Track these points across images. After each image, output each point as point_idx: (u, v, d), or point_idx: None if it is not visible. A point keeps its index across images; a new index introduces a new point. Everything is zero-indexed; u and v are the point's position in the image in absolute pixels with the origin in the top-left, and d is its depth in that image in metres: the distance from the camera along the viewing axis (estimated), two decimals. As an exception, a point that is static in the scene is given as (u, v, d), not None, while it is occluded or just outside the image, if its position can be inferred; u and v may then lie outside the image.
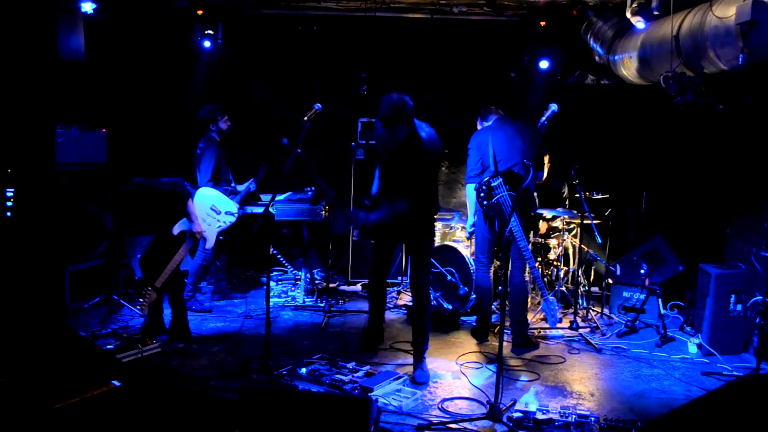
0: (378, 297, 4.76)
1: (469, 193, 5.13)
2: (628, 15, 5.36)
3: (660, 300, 5.62)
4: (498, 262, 5.41)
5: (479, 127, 5.26)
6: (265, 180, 6.08)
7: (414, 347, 4.51)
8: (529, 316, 5.32)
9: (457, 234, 6.25)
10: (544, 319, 5.68)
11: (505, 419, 3.73)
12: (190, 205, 4.90)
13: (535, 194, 5.06)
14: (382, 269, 4.67)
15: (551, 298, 4.94)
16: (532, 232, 6.02)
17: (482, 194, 4.85)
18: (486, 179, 4.86)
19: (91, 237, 5.22)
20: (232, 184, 6.10)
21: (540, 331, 5.45)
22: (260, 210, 6.05)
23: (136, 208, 4.78)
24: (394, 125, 4.19)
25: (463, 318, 5.77)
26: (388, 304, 6.07)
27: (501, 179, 4.80)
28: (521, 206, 4.77)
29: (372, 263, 4.68)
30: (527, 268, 4.99)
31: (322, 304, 6.04)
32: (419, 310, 4.48)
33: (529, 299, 5.56)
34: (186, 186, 5.00)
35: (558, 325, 5.63)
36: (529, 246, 5.12)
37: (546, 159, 6.37)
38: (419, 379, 4.33)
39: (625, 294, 6.11)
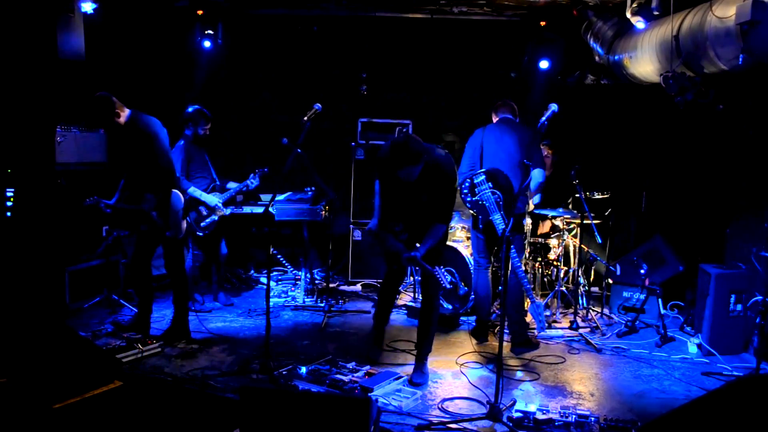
0: (389, 303, 4.74)
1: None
2: (628, 15, 5.36)
3: (660, 300, 5.62)
4: (497, 264, 5.43)
5: (494, 119, 5.26)
6: (263, 181, 6.06)
7: (417, 350, 4.51)
8: (529, 317, 5.32)
9: (457, 234, 6.25)
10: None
11: (505, 419, 3.73)
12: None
13: (531, 193, 5.05)
14: (398, 276, 4.68)
15: (539, 301, 4.92)
16: (529, 233, 6.01)
17: (465, 190, 4.84)
18: (469, 175, 4.86)
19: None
20: (216, 183, 6.04)
21: (538, 332, 5.45)
22: (260, 210, 6.05)
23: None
24: (404, 168, 4.10)
25: (463, 318, 5.77)
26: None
27: (484, 176, 4.78)
28: (505, 207, 4.73)
29: (388, 271, 4.69)
30: (521, 267, 4.98)
31: (322, 304, 6.04)
32: (427, 314, 4.47)
33: (525, 298, 5.56)
34: None
35: (558, 325, 5.65)
36: (525, 243, 5.12)
37: (549, 152, 6.37)
38: (416, 380, 4.33)
39: (625, 294, 6.11)
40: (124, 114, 4.80)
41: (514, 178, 4.82)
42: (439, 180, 4.23)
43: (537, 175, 5.02)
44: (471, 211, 4.93)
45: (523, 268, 5.04)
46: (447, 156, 4.33)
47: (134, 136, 4.80)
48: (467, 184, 4.83)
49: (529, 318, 5.18)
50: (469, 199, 4.83)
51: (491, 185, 4.76)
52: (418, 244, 4.29)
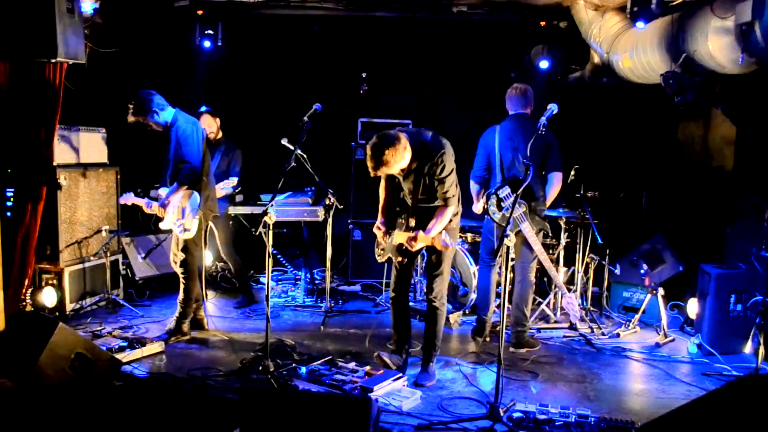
0: (404, 309, 4.55)
1: (473, 186, 5.15)
2: (628, 15, 5.36)
3: (660, 300, 5.62)
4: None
5: (508, 109, 5.17)
6: (264, 181, 6.04)
7: (424, 351, 4.50)
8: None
9: (457, 234, 6.23)
10: (543, 319, 5.76)
11: (505, 419, 3.73)
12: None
13: (546, 194, 5.01)
14: (406, 279, 4.54)
15: (570, 294, 5.03)
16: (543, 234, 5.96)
17: (492, 207, 4.80)
18: (493, 191, 4.81)
19: None
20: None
21: (540, 331, 5.45)
22: (260, 210, 6.02)
23: None
24: (390, 167, 4.07)
25: (463, 318, 5.77)
26: (387, 305, 6.06)
27: (509, 189, 4.74)
28: (530, 208, 4.74)
29: (396, 275, 4.49)
30: (532, 269, 4.97)
31: (322, 304, 6.04)
32: (433, 315, 4.44)
33: (530, 300, 5.56)
34: None
35: (558, 325, 5.64)
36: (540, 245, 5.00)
37: None
38: (421, 381, 4.33)
39: (625, 294, 6.11)
40: (167, 112, 4.93)
41: (533, 182, 4.78)
42: (431, 163, 4.17)
43: (551, 180, 4.96)
44: (500, 224, 4.83)
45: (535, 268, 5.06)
46: (435, 137, 4.23)
47: (174, 135, 4.92)
48: (493, 200, 4.79)
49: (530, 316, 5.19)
50: (497, 216, 4.80)
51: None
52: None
